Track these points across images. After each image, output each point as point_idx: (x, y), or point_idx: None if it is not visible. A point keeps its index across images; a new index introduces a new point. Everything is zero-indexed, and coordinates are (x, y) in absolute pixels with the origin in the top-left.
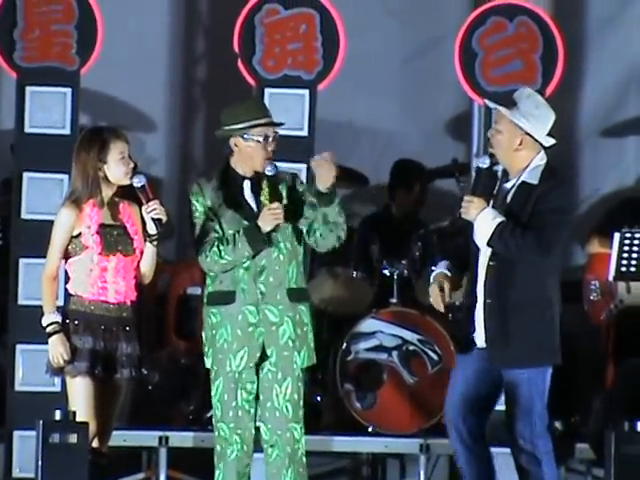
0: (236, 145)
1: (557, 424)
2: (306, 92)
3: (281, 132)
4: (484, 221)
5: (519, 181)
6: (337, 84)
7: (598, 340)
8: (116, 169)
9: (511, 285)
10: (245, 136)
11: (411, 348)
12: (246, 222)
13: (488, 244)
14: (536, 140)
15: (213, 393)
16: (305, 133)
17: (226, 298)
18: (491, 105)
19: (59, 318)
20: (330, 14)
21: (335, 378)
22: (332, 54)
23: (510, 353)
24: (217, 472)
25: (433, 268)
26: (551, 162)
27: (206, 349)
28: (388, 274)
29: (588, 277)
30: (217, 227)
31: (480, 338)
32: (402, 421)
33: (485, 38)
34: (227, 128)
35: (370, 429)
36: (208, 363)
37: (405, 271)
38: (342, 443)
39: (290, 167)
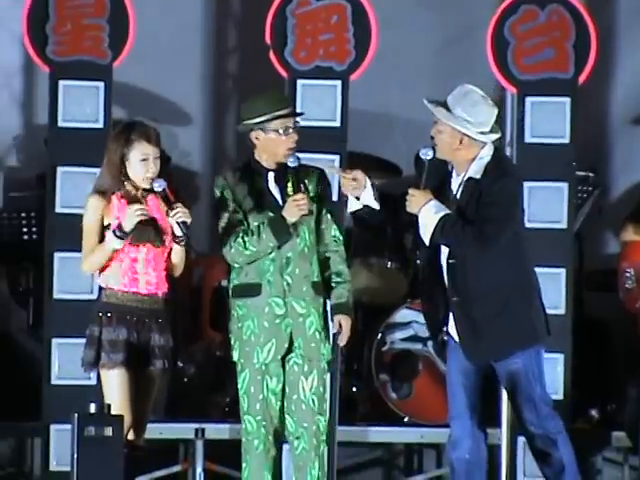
0: (257, 138)
1: (593, 412)
2: (338, 83)
3: (313, 123)
4: (426, 215)
5: (466, 176)
6: (370, 74)
7: (634, 328)
8: (136, 169)
9: (473, 280)
10: (265, 129)
11: (446, 338)
12: (271, 213)
13: (431, 239)
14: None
15: (239, 386)
16: (337, 124)
17: (252, 290)
18: (429, 106)
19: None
20: (361, 4)
21: (370, 369)
22: (364, 44)
23: (483, 348)
24: (244, 464)
25: None
26: (578, 151)
27: (232, 342)
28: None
29: (623, 265)
30: (242, 218)
31: (454, 333)
32: (438, 411)
33: (517, 26)
34: (247, 122)
35: (406, 419)
36: (235, 356)
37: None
38: (378, 434)
39: (323, 158)
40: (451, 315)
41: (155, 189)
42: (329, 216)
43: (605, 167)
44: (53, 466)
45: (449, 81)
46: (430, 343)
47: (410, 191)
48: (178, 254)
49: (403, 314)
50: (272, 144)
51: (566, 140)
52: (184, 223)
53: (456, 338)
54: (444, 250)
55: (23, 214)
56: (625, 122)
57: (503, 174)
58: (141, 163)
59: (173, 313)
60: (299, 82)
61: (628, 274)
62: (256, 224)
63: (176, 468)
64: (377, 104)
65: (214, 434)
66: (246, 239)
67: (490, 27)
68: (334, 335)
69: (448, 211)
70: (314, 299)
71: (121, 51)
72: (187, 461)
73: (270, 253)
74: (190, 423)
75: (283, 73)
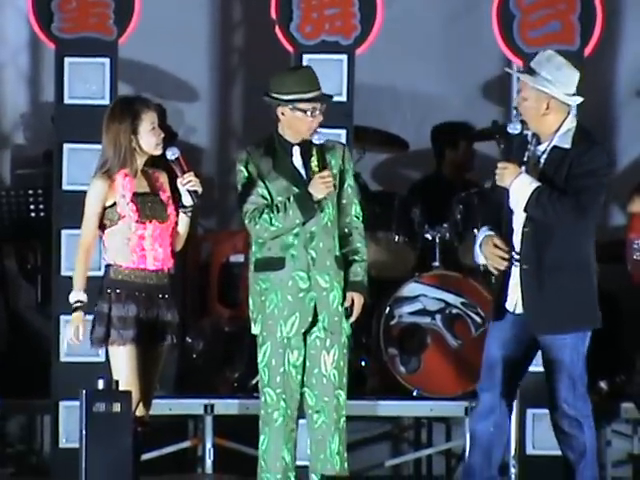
0: (283, 114)
1: (602, 384)
2: (344, 57)
3: None
4: (520, 187)
5: (551, 145)
6: (376, 49)
7: None
8: (147, 140)
9: (547, 250)
10: (293, 107)
11: (454, 311)
12: (296, 189)
13: (525, 210)
14: (563, 102)
15: (260, 359)
16: (344, 98)
17: (275, 264)
18: (513, 73)
19: (85, 298)
20: None
21: (379, 343)
22: (369, 19)
23: (549, 320)
24: (262, 437)
25: (476, 232)
26: (584, 123)
27: (254, 315)
28: (430, 238)
29: (631, 236)
30: (266, 194)
31: (514, 304)
32: (446, 384)
33: (523, 0)
34: (276, 96)
35: (415, 393)
36: (256, 329)
37: (447, 234)
38: (387, 407)
39: (329, 133)
40: (512, 286)
41: (169, 157)
42: (350, 191)
43: (611, 139)
44: (62, 443)
45: (455, 55)
46: (438, 317)
47: (501, 164)
48: (183, 226)
49: (411, 288)
50: (297, 123)
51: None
52: (195, 192)
53: (514, 309)
54: (517, 219)
55: (30, 191)
56: (631, 94)
57: (593, 144)
58: (151, 132)
59: (182, 289)
60: (305, 57)
61: (636, 245)
62: (281, 199)
63: (185, 444)
64: (383, 78)
65: (223, 410)
66: (272, 215)
67: (496, 0)
68: (345, 309)
69: (539, 183)
70: (337, 273)
71: (126, 27)
72: (196, 437)
73: (295, 228)
74: (199, 399)
75: (289, 48)
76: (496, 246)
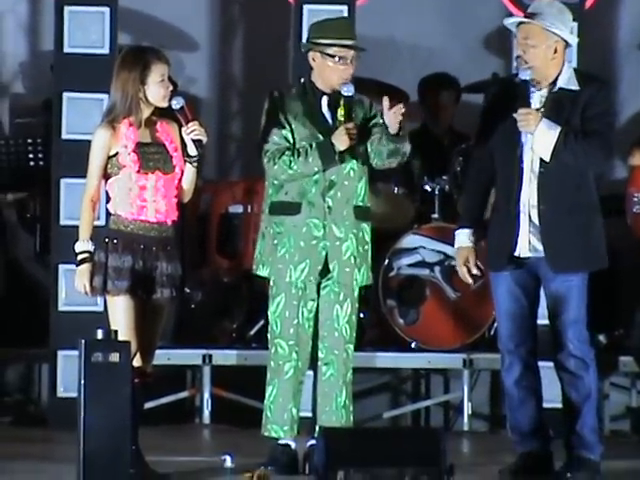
0: (314, 59)
1: (600, 338)
2: (344, 8)
3: None
4: (545, 132)
5: (556, 88)
6: (376, 0)
7: None
8: (155, 91)
9: (564, 191)
10: (324, 53)
11: (453, 263)
12: (320, 136)
13: (552, 153)
14: (567, 44)
15: (272, 309)
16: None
17: (291, 209)
18: (517, 21)
19: (91, 247)
20: None
21: (378, 294)
22: None
23: (568, 259)
24: (270, 388)
25: (457, 232)
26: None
27: (262, 258)
28: (429, 189)
29: (630, 190)
30: (289, 136)
31: (524, 247)
32: (445, 336)
33: None
34: (310, 41)
35: (413, 345)
36: (264, 272)
37: (446, 186)
38: (385, 359)
39: None
40: (523, 228)
41: (173, 106)
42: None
43: (612, 92)
44: (60, 392)
45: (456, 6)
46: (437, 269)
47: (523, 110)
48: (189, 177)
49: (410, 240)
50: (327, 70)
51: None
52: (199, 141)
53: (523, 253)
54: (527, 162)
55: (29, 140)
56: (632, 47)
57: (603, 83)
58: (159, 84)
59: (180, 240)
60: (305, 7)
61: (636, 199)
62: (304, 144)
63: (184, 394)
64: (383, 30)
65: (221, 360)
66: (292, 158)
67: None
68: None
69: (559, 127)
70: (354, 224)
71: None
72: (194, 387)
73: (314, 175)
74: (197, 349)
75: None
76: (466, 263)
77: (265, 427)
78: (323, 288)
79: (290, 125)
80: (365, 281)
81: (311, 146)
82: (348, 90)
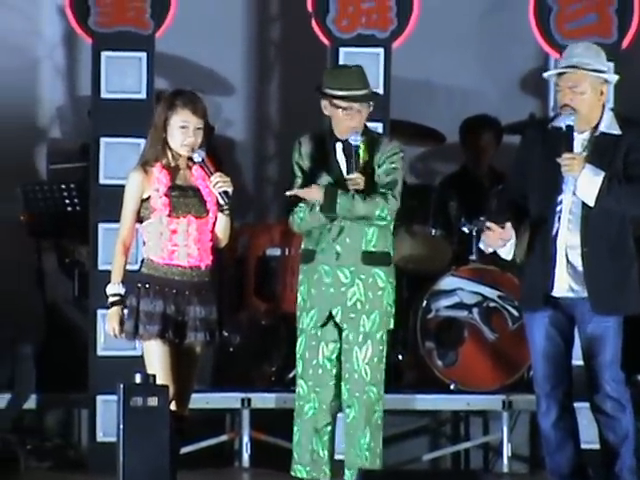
0: (325, 108)
1: (639, 377)
2: (381, 51)
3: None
4: (589, 177)
5: (598, 132)
6: (412, 42)
7: None
8: (175, 137)
9: (608, 234)
10: (330, 102)
11: (491, 305)
12: (331, 180)
13: (596, 199)
14: (608, 84)
15: (297, 349)
16: (380, 92)
17: (308, 256)
18: (565, 70)
19: (122, 290)
20: None
21: (416, 336)
22: (406, 12)
23: (610, 301)
24: (295, 428)
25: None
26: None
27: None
28: (467, 231)
29: None
30: (305, 185)
31: (562, 288)
32: (484, 378)
33: None
34: (321, 89)
35: (452, 387)
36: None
37: (484, 227)
38: (424, 401)
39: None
40: (563, 269)
41: (195, 159)
42: (384, 175)
43: None
44: (100, 437)
45: (492, 48)
46: (475, 310)
47: (568, 155)
48: (222, 225)
49: (448, 282)
50: (336, 118)
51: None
52: (225, 193)
53: (560, 293)
54: (567, 205)
55: (63, 185)
56: None
57: None
58: (180, 130)
59: (218, 282)
60: (341, 50)
61: None
62: None
63: (223, 438)
64: (419, 71)
65: (260, 403)
66: (301, 208)
67: None
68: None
69: (603, 172)
70: (362, 269)
71: (163, 21)
72: (233, 431)
73: (326, 224)
74: (236, 392)
75: (325, 41)
76: (490, 229)
77: (292, 467)
78: (344, 330)
79: (305, 172)
80: (380, 327)
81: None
82: (355, 140)
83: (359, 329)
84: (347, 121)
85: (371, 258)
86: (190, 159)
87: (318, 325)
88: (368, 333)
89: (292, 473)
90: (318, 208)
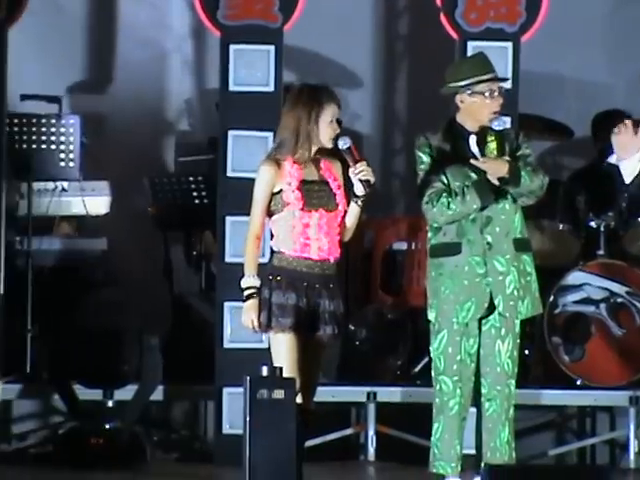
0: (462, 101)
1: None
2: (509, 44)
3: None
4: None
5: None
6: (542, 35)
7: None
8: (324, 132)
9: None
10: (470, 92)
11: (619, 300)
12: (473, 175)
13: None
14: None
15: (435, 346)
16: (509, 86)
17: (451, 250)
18: None
19: (258, 283)
20: None
21: (543, 331)
22: (535, 6)
23: None
24: (436, 425)
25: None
26: None
27: (430, 301)
28: (595, 226)
29: None
30: (444, 179)
31: None
32: (611, 374)
33: None
34: (452, 85)
35: (578, 382)
36: (431, 315)
37: (612, 222)
38: (551, 397)
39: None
40: None
41: (340, 146)
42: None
43: None
44: (226, 429)
45: (620, 41)
46: (603, 306)
47: None
48: (353, 216)
49: (575, 277)
50: (477, 107)
51: None
52: (367, 182)
53: None
54: None
55: (191, 178)
56: None
57: None
58: (329, 125)
59: (344, 276)
60: (469, 44)
61: None
62: (459, 185)
63: (348, 431)
64: (548, 65)
65: (386, 397)
66: (449, 199)
67: None
68: None
69: None
70: (515, 256)
71: (291, 14)
72: (359, 424)
73: (472, 214)
74: (362, 386)
75: (453, 35)
76: None
77: (432, 464)
78: (484, 324)
79: (442, 168)
80: (531, 312)
81: (467, 186)
82: (499, 124)
83: (513, 318)
84: (490, 106)
85: (520, 245)
86: (321, 153)
87: (477, 317)
88: (510, 324)
89: (433, 470)
90: (476, 198)
